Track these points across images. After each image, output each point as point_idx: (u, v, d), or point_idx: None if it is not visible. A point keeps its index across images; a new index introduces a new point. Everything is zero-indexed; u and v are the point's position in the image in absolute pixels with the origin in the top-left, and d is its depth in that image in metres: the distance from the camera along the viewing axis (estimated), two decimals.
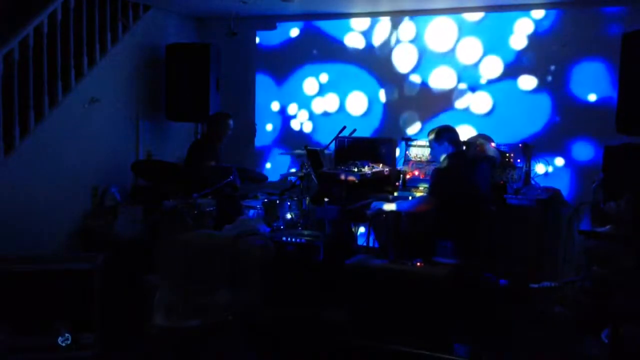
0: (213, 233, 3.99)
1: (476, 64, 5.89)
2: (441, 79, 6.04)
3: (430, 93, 6.09)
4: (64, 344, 3.71)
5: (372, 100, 6.34)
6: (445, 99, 6.01)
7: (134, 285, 4.31)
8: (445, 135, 4.68)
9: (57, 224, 5.18)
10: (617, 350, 3.53)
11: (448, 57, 5.99)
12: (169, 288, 3.47)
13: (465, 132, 5.75)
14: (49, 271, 4.00)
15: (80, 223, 5.43)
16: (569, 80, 5.55)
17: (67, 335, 3.71)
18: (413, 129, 6.15)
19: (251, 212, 5.38)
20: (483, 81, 5.87)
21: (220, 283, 3.45)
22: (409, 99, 6.18)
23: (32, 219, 4.89)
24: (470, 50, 5.91)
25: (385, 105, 6.29)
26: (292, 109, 6.70)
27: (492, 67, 5.83)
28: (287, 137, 6.68)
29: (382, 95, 6.30)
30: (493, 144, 5.21)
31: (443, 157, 4.61)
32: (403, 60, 6.20)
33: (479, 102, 5.90)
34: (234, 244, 3.71)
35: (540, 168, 5.54)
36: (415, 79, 6.15)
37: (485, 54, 5.85)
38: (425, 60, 6.10)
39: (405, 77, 6.18)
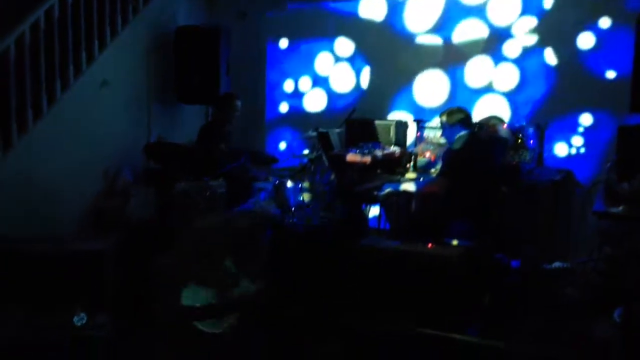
0: (221, 215, 4.00)
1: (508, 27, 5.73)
2: (465, 34, 5.88)
3: (450, 55, 5.95)
4: (79, 324, 3.75)
5: (386, 76, 6.26)
6: (466, 68, 5.90)
7: (145, 267, 4.34)
8: (457, 117, 4.67)
9: (69, 206, 5.21)
10: (630, 329, 3.52)
11: (475, 11, 5.82)
12: (181, 269, 3.49)
13: (482, 106, 5.72)
14: (64, 251, 4.04)
15: (92, 205, 5.46)
16: (585, 55, 5.44)
17: (82, 314, 3.75)
18: (431, 104, 6.06)
19: (262, 194, 5.39)
20: (508, 52, 5.74)
21: (229, 263, 3.46)
22: (426, 72, 6.06)
23: (44, 201, 4.92)
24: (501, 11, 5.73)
25: (399, 81, 6.19)
26: (304, 87, 6.64)
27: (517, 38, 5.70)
28: (300, 117, 6.63)
29: (396, 70, 6.20)
30: (505, 125, 5.18)
31: (456, 138, 4.59)
32: (420, 20, 6.06)
33: (500, 77, 5.78)
34: (235, 224, 3.69)
35: (559, 149, 5.49)
36: (433, 41, 6.03)
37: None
38: (448, 17, 5.94)
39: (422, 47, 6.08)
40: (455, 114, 4.69)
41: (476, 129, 4.84)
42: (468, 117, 4.73)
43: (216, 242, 3.47)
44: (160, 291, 3.66)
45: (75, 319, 3.77)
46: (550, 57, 5.57)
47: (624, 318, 3.44)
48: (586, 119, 5.44)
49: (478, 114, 5.55)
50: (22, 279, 3.94)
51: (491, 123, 5.08)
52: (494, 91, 5.81)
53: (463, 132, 4.64)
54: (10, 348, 3.74)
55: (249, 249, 3.53)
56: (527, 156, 5.18)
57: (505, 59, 5.75)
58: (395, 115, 6.14)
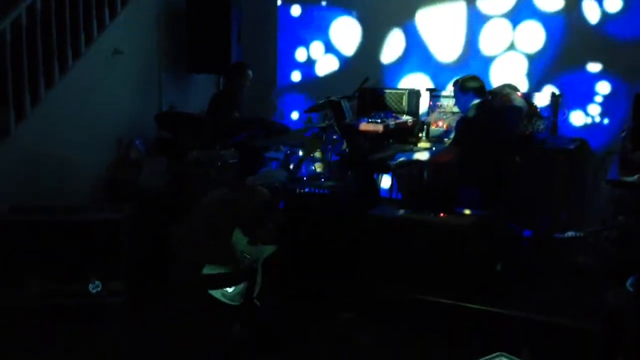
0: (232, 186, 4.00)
1: None
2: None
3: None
4: (94, 291, 3.81)
5: (398, 41, 6.14)
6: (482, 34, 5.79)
7: (159, 236, 4.38)
8: (471, 85, 4.61)
9: (81, 176, 5.23)
10: None
11: None
12: (192, 240, 3.52)
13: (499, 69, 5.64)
14: (80, 221, 4.08)
15: (105, 175, 5.48)
16: (609, 20, 5.29)
17: (97, 282, 3.81)
18: (448, 59, 5.96)
19: (274, 163, 5.39)
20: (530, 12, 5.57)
21: (238, 234, 3.48)
22: (443, 32, 5.92)
23: (57, 171, 4.94)
24: None
25: (419, 50, 6.08)
26: (316, 54, 6.56)
27: None
28: (311, 85, 6.56)
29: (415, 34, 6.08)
30: (519, 94, 5.12)
31: (470, 106, 4.55)
32: None
33: (520, 37, 5.63)
34: (246, 195, 3.69)
35: (575, 118, 5.42)
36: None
37: None
38: None
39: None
40: (469, 82, 4.63)
41: (490, 98, 4.78)
42: (482, 85, 4.68)
43: (225, 215, 3.49)
44: (173, 260, 3.70)
45: (91, 286, 3.83)
46: (573, 20, 5.41)
47: (637, 287, 3.43)
48: (604, 87, 5.35)
49: (495, 77, 5.46)
50: (38, 247, 4.00)
51: (505, 92, 5.02)
52: (515, 49, 5.66)
53: (477, 101, 4.59)
54: (28, 315, 3.82)
55: (260, 219, 3.54)
56: (541, 125, 5.12)
57: (527, 18, 5.59)
58: (412, 78, 6.06)
